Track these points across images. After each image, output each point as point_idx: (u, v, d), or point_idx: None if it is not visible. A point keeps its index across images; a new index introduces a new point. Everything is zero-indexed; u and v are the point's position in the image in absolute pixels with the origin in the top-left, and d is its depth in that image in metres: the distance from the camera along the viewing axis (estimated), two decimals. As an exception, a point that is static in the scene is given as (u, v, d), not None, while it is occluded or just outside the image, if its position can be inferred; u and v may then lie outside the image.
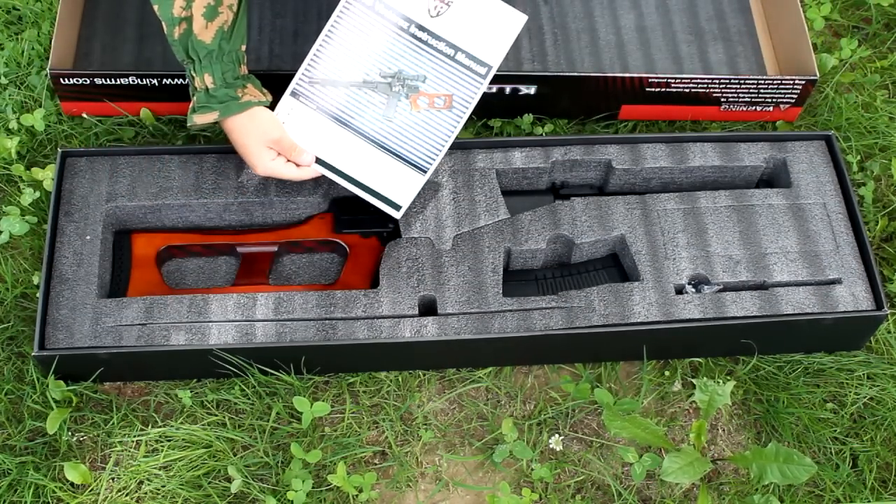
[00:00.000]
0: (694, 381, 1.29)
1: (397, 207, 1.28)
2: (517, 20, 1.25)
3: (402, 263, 1.28)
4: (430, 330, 1.24)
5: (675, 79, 1.43)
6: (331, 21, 1.26)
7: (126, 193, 1.31)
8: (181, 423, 1.25)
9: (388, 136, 1.27)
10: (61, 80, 1.40)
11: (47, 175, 1.40)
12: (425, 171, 1.27)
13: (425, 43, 1.26)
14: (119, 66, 1.46)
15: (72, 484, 1.21)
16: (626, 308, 1.25)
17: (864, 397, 1.31)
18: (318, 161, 1.27)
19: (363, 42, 1.26)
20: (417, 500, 1.24)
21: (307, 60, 1.27)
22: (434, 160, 1.27)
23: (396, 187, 1.27)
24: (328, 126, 1.27)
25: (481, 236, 1.30)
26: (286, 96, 1.27)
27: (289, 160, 1.26)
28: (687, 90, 1.45)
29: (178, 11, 1.16)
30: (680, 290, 1.28)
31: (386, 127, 1.27)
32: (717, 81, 1.44)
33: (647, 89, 1.45)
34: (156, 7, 1.16)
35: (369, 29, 1.26)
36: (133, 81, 1.41)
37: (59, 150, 1.33)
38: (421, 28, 1.25)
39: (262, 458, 1.23)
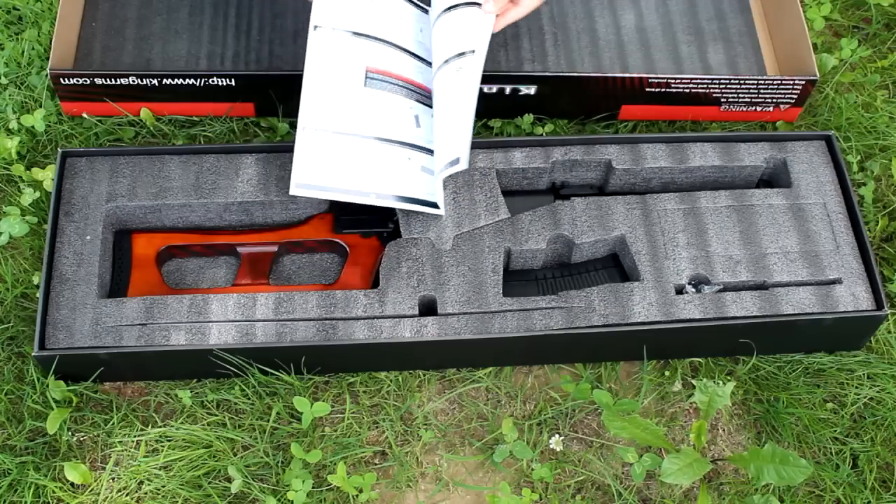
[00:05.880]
0: (694, 381, 1.29)
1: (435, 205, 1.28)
2: None
3: (402, 263, 1.27)
4: (430, 330, 1.23)
5: (675, 79, 1.43)
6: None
7: (126, 193, 1.31)
8: (181, 423, 1.25)
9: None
10: (61, 80, 1.40)
11: (47, 175, 1.40)
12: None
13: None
14: (119, 66, 1.46)
15: (72, 484, 1.21)
16: (626, 308, 1.25)
17: (865, 397, 1.31)
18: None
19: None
20: (417, 500, 1.24)
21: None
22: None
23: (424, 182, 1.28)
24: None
25: (481, 236, 1.30)
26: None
27: None
28: (687, 90, 1.45)
29: None
30: (680, 290, 1.28)
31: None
32: (717, 82, 1.44)
33: (647, 89, 1.44)
34: None
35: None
36: (133, 81, 1.41)
37: (59, 150, 1.33)
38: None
39: (262, 458, 1.23)
